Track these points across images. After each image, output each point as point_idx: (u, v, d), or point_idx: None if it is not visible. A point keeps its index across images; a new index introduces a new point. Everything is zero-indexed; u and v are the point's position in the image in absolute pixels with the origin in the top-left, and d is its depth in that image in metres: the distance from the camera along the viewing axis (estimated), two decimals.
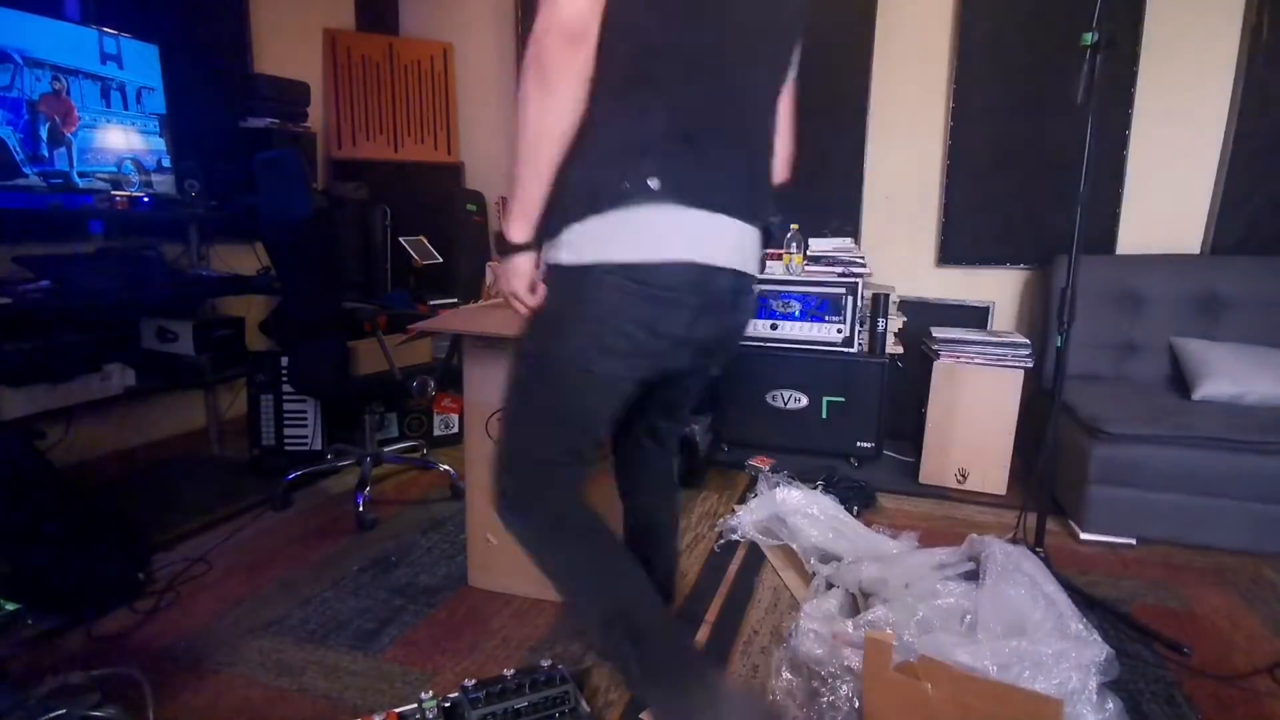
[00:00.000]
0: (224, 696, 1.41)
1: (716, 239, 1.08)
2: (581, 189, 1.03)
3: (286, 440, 2.58)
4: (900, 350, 2.76)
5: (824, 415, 2.74)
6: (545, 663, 1.35)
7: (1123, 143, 2.73)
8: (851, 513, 2.18)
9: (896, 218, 3.08)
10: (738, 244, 1.12)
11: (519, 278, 1.11)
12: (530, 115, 1.00)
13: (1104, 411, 2.13)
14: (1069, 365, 1.78)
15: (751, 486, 2.45)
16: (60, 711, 1.15)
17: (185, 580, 1.86)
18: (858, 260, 2.75)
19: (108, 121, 2.29)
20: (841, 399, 2.71)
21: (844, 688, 1.31)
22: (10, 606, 1.56)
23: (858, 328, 2.71)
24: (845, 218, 3.08)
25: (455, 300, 3.15)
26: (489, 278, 1.72)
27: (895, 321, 2.73)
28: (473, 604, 1.77)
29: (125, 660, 1.44)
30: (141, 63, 2.37)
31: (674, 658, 1.11)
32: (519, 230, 1.08)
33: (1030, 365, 2.43)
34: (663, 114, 1.02)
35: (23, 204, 2.10)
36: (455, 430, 2.97)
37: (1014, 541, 1.76)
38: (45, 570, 1.65)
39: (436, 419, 2.96)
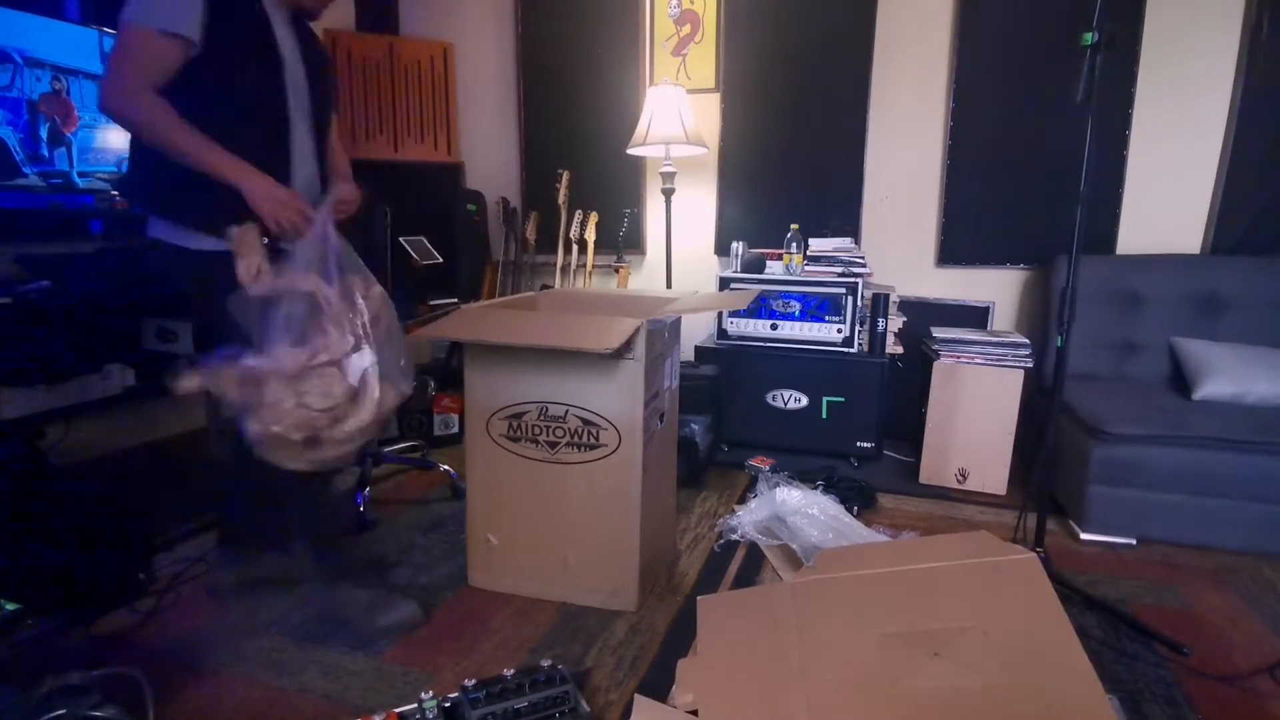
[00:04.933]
0: (224, 696, 1.41)
1: None
2: None
3: None
4: (900, 350, 2.76)
5: (824, 415, 2.74)
6: (545, 663, 1.35)
7: (1123, 143, 2.73)
8: (851, 513, 2.18)
9: (896, 218, 3.08)
10: None
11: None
12: None
13: (1104, 411, 2.13)
14: (1069, 365, 1.78)
15: (751, 486, 2.45)
16: (60, 711, 1.14)
17: (185, 580, 1.86)
18: (858, 260, 2.76)
19: (108, 121, 2.29)
20: (841, 399, 2.71)
21: None
22: (10, 606, 1.56)
23: (858, 328, 2.71)
24: (845, 218, 3.08)
25: (455, 300, 3.14)
26: None
27: (895, 321, 2.73)
28: (473, 604, 1.77)
29: (125, 660, 1.43)
30: None
31: None
32: None
33: (1030, 365, 2.42)
34: None
35: (23, 204, 2.10)
36: (455, 430, 2.97)
37: (1014, 541, 1.76)
38: (45, 570, 1.65)
39: (436, 419, 2.96)
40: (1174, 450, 2.03)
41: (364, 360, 1.19)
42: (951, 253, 3.01)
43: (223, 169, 1.38)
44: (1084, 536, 2.15)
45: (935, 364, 2.50)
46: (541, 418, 1.70)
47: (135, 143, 1.46)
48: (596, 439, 1.67)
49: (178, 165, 1.39)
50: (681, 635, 1.63)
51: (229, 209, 1.40)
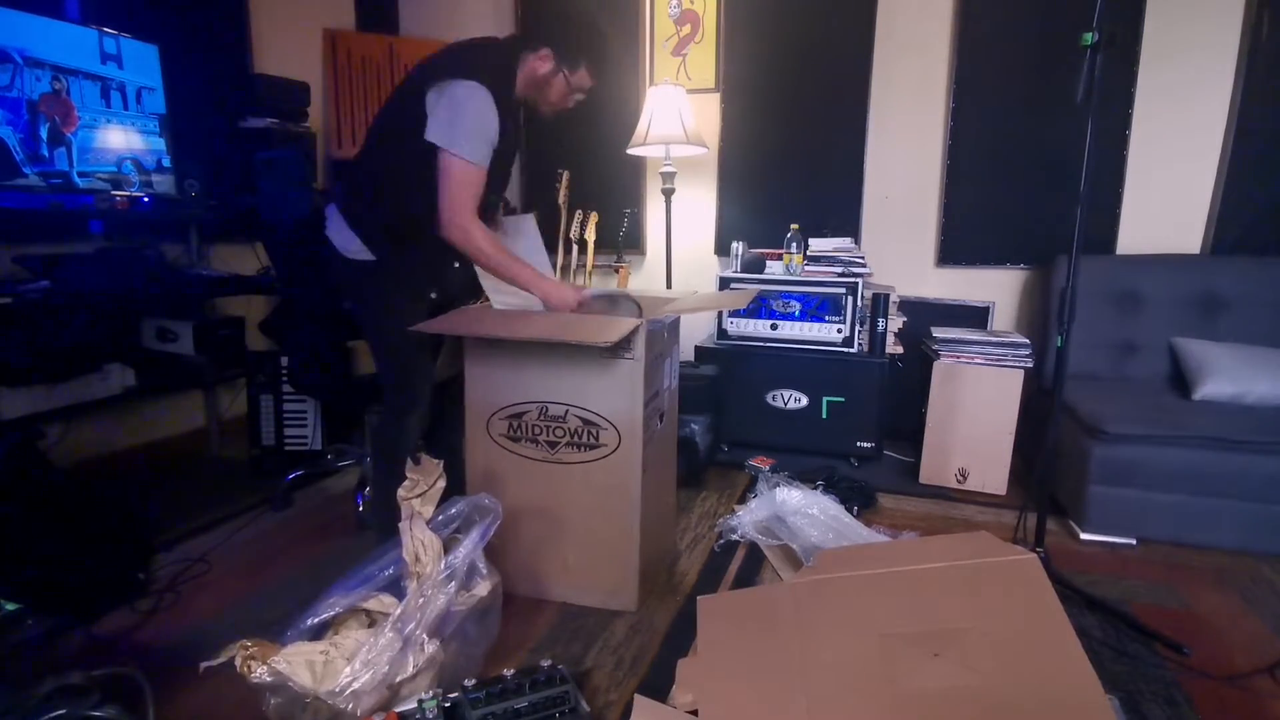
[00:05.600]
0: (224, 696, 1.41)
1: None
2: None
3: (286, 440, 2.58)
4: (900, 350, 2.76)
5: (824, 415, 2.74)
6: (545, 663, 1.35)
7: (1123, 143, 2.73)
8: (851, 513, 2.18)
9: (896, 218, 3.08)
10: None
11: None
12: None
13: (1104, 411, 2.13)
14: (1069, 365, 1.78)
15: (751, 486, 2.45)
16: (60, 711, 1.14)
17: (185, 580, 1.86)
18: (858, 260, 2.75)
19: (108, 121, 2.29)
20: (841, 399, 2.71)
21: None
22: (10, 606, 1.56)
23: (858, 328, 2.71)
24: (845, 218, 3.08)
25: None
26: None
27: (895, 321, 2.73)
28: None
29: (125, 660, 1.44)
30: (141, 63, 2.37)
31: None
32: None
33: (1030, 365, 2.42)
34: None
35: (23, 204, 2.10)
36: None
37: (1014, 541, 1.76)
38: (45, 570, 1.65)
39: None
40: (1174, 450, 2.03)
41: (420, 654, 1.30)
42: (951, 253, 3.01)
43: (523, 280, 1.71)
44: (1084, 536, 2.15)
45: (935, 364, 2.50)
46: (541, 418, 1.70)
47: (399, 207, 1.69)
48: (596, 439, 1.67)
49: (419, 245, 1.70)
50: (681, 635, 1.63)
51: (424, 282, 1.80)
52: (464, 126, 1.59)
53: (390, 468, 1.70)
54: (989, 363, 2.45)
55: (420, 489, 1.41)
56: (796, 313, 2.78)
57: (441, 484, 1.43)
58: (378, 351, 1.81)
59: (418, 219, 1.67)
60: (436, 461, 1.45)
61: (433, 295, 1.80)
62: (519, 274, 1.71)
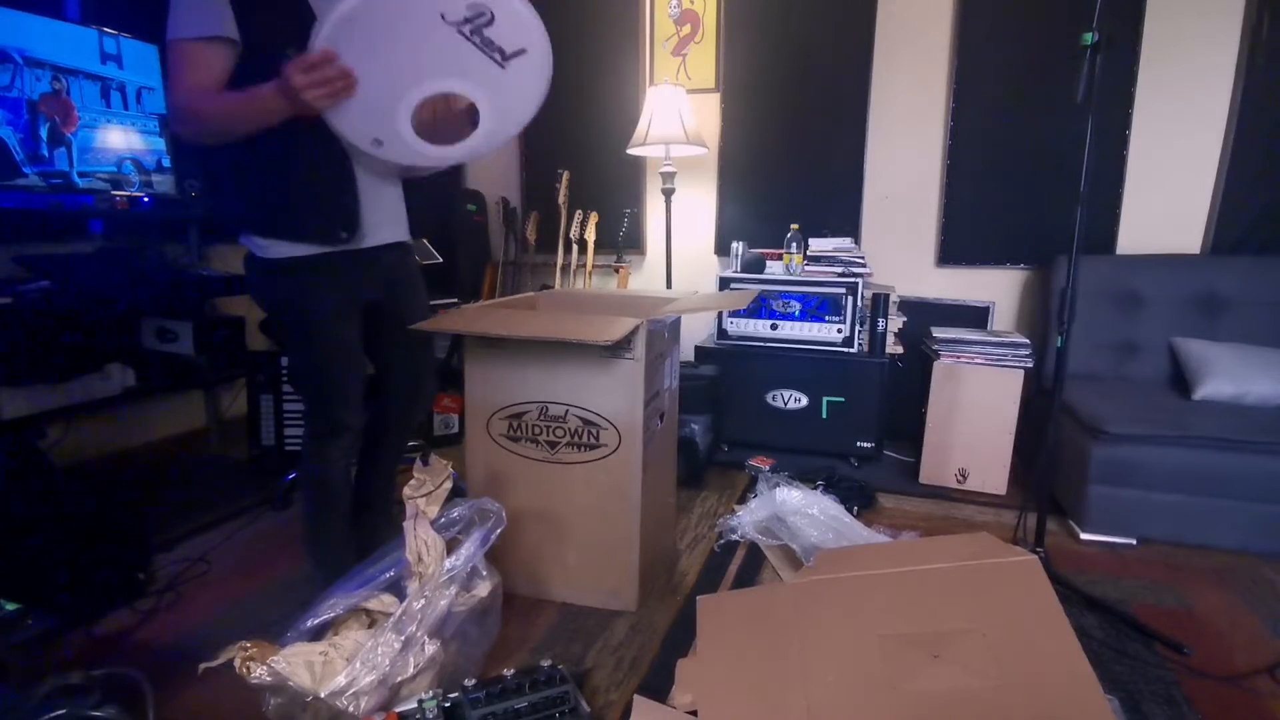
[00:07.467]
0: (224, 696, 1.41)
1: None
2: None
3: (286, 440, 2.58)
4: (900, 350, 2.76)
5: (824, 415, 2.74)
6: (545, 663, 1.35)
7: (1123, 143, 2.73)
8: (851, 513, 2.18)
9: (896, 218, 3.08)
10: None
11: None
12: None
13: (1104, 411, 2.13)
14: (1069, 365, 1.78)
15: (751, 486, 2.45)
16: (60, 711, 1.14)
17: (185, 580, 1.86)
18: (858, 260, 2.76)
19: (108, 121, 2.29)
20: (841, 399, 2.71)
21: None
22: (10, 606, 1.56)
23: (858, 328, 2.71)
24: (845, 218, 3.08)
25: (456, 300, 3.14)
26: None
27: (895, 321, 2.73)
28: None
29: (125, 660, 1.44)
30: (141, 63, 2.38)
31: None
32: None
33: (1030, 365, 2.42)
34: None
35: (23, 204, 2.10)
36: (455, 430, 2.97)
37: (1014, 541, 1.76)
38: (45, 570, 1.65)
39: (436, 419, 2.96)
40: (1174, 450, 2.03)
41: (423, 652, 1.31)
42: (951, 253, 3.01)
43: (259, 96, 1.28)
44: (1084, 536, 2.15)
45: (935, 364, 2.50)
46: (541, 418, 1.70)
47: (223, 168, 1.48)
48: (596, 439, 1.67)
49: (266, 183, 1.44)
50: (681, 635, 1.63)
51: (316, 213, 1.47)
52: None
53: (317, 501, 1.63)
54: (989, 363, 2.45)
55: (426, 489, 1.41)
56: (796, 313, 2.78)
57: (448, 485, 1.43)
58: (292, 365, 1.60)
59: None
60: (445, 462, 1.45)
61: (366, 295, 1.57)
62: (248, 98, 1.31)
